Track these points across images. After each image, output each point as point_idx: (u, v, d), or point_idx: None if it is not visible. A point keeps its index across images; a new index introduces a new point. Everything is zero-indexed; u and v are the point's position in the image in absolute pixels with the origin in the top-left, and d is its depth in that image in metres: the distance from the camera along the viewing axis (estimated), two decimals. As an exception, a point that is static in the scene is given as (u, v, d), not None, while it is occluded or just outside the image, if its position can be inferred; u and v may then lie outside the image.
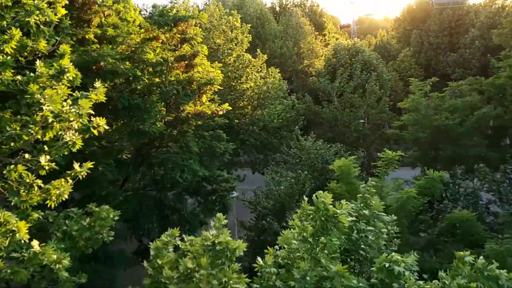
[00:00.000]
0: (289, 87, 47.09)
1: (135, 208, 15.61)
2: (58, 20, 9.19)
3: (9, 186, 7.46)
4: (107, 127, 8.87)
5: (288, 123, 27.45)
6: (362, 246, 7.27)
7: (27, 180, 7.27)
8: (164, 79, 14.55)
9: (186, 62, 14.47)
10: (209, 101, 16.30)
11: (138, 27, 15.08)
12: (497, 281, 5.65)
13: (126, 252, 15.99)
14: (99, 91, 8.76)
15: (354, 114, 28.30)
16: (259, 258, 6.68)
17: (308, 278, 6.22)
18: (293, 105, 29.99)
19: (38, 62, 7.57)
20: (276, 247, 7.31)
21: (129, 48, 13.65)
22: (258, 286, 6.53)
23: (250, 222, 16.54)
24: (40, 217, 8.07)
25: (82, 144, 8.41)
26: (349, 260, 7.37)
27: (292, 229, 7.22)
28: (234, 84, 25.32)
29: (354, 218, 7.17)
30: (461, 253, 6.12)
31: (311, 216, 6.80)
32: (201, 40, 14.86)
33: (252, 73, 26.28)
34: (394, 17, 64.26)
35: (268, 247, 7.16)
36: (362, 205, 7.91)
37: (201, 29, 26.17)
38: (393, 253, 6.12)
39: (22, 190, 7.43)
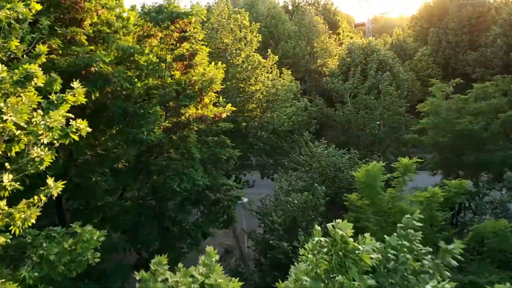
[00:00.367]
0: (302, 87, 45.94)
1: (134, 218, 14.64)
2: (32, 17, 8.22)
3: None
4: (89, 130, 7.87)
5: (300, 126, 26.21)
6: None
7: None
8: (162, 81, 13.49)
9: (185, 62, 13.37)
10: (212, 104, 15.21)
11: (135, 26, 14.10)
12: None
13: (124, 265, 15.01)
14: (77, 92, 7.81)
15: (369, 116, 26.87)
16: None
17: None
18: (306, 108, 28.75)
19: (0, 66, 6.53)
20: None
21: (123, 51, 12.57)
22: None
23: (258, 236, 15.29)
24: (8, 240, 7.03)
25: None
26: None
27: (303, 262, 5.99)
28: (242, 85, 24.18)
29: (379, 256, 5.90)
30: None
31: (326, 249, 5.58)
32: (202, 37, 13.75)
33: (262, 74, 25.10)
34: (409, 15, 62.66)
35: (279, 282, 5.94)
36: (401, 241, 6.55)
37: (207, 30, 25.68)
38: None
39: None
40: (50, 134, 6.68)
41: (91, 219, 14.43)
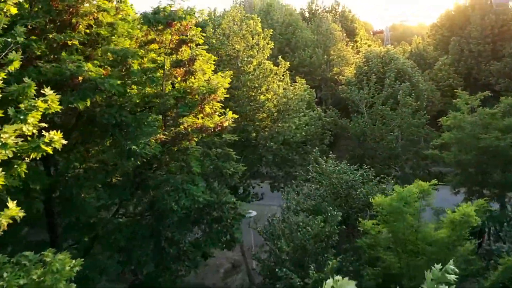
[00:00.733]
0: (318, 94, 44.70)
1: (129, 237, 13.61)
2: (8, 22, 7.34)
3: None
4: (64, 142, 7.01)
5: (313, 137, 24.97)
6: None
7: None
8: (160, 89, 12.49)
9: (185, 68, 12.34)
10: (218, 115, 14.12)
11: (137, 31, 13.17)
12: None
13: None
14: (49, 99, 6.91)
15: (386, 128, 25.43)
16: None
17: None
18: (319, 117, 27.52)
19: None
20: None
21: (115, 54, 11.60)
22: None
23: (264, 261, 13.96)
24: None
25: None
26: None
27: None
28: (253, 94, 23.13)
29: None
30: None
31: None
32: (202, 42, 12.71)
33: (274, 82, 24.00)
34: (429, 23, 60.95)
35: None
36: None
37: (218, 36, 24.75)
38: None
39: None
40: (4, 151, 5.71)
41: (82, 237, 13.54)
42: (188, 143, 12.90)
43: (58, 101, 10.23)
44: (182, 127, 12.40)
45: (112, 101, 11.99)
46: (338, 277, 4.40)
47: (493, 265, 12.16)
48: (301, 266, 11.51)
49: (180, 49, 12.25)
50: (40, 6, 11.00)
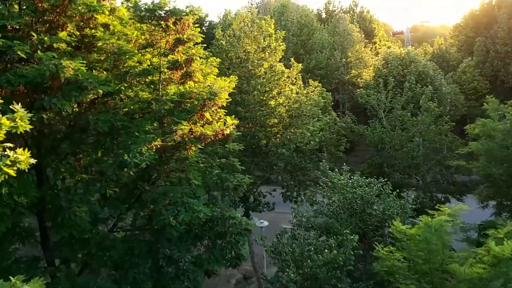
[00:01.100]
0: (336, 97, 43.32)
1: (125, 253, 12.63)
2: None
3: None
4: (33, 161, 6.07)
5: (328, 144, 23.66)
6: None
7: None
8: (157, 94, 11.48)
9: (182, 70, 11.30)
10: (221, 121, 13.01)
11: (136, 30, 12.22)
12: None
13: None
14: (18, 116, 6.05)
15: (406, 135, 23.87)
16: None
17: None
18: (335, 122, 26.20)
19: None
20: None
21: (112, 55, 10.67)
22: None
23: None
24: None
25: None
26: None
27: None
28: (264, 98, 21.98)
29: None
30: None
31: None
32: (200, 40, 11.63)
33: (286, 85, 22.81)
34: (452, 24, 58.95)
35: None
36: None
37: (228, 37, 23.72)
38: None
39: None
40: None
41: (75, 253, 12.66)
42: (186, 152, 11.84)
43: (41, 106, 9.42)
44: (177, 135, 11.34)
45: (106, 106, 11.08)
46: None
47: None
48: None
49: (176, 49, 11.22)
50: (25, 6, 10.19)
